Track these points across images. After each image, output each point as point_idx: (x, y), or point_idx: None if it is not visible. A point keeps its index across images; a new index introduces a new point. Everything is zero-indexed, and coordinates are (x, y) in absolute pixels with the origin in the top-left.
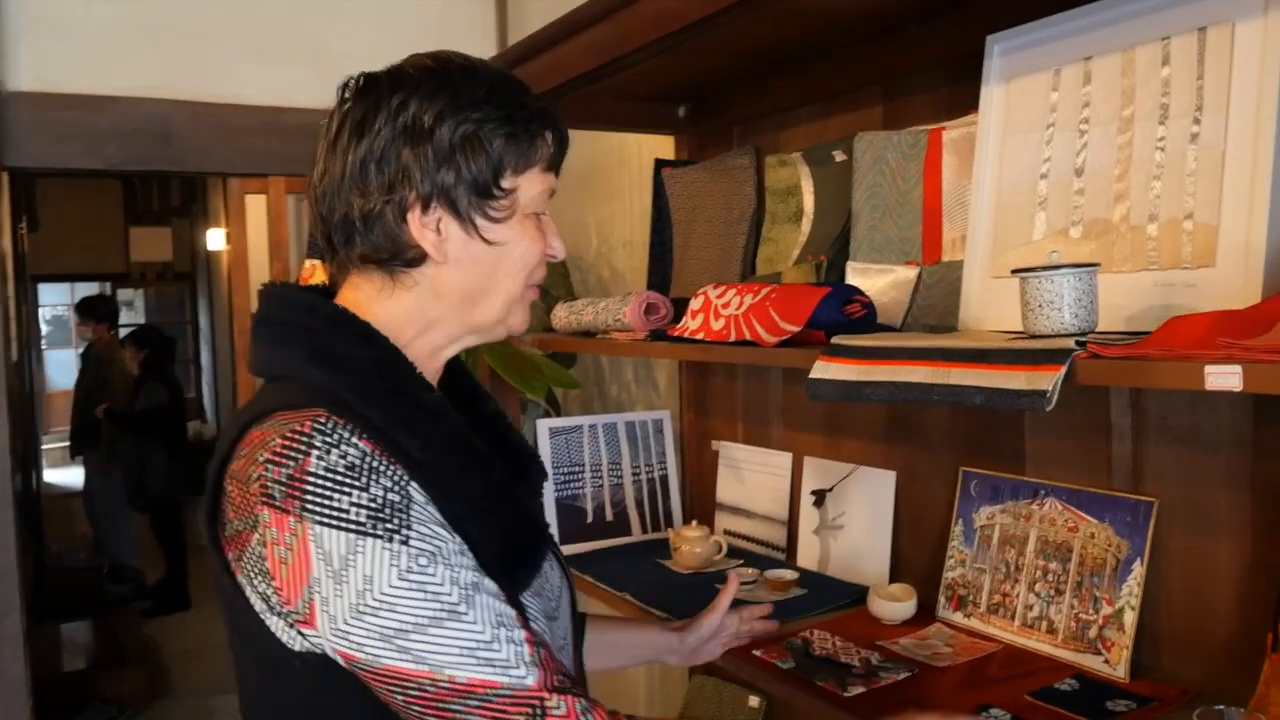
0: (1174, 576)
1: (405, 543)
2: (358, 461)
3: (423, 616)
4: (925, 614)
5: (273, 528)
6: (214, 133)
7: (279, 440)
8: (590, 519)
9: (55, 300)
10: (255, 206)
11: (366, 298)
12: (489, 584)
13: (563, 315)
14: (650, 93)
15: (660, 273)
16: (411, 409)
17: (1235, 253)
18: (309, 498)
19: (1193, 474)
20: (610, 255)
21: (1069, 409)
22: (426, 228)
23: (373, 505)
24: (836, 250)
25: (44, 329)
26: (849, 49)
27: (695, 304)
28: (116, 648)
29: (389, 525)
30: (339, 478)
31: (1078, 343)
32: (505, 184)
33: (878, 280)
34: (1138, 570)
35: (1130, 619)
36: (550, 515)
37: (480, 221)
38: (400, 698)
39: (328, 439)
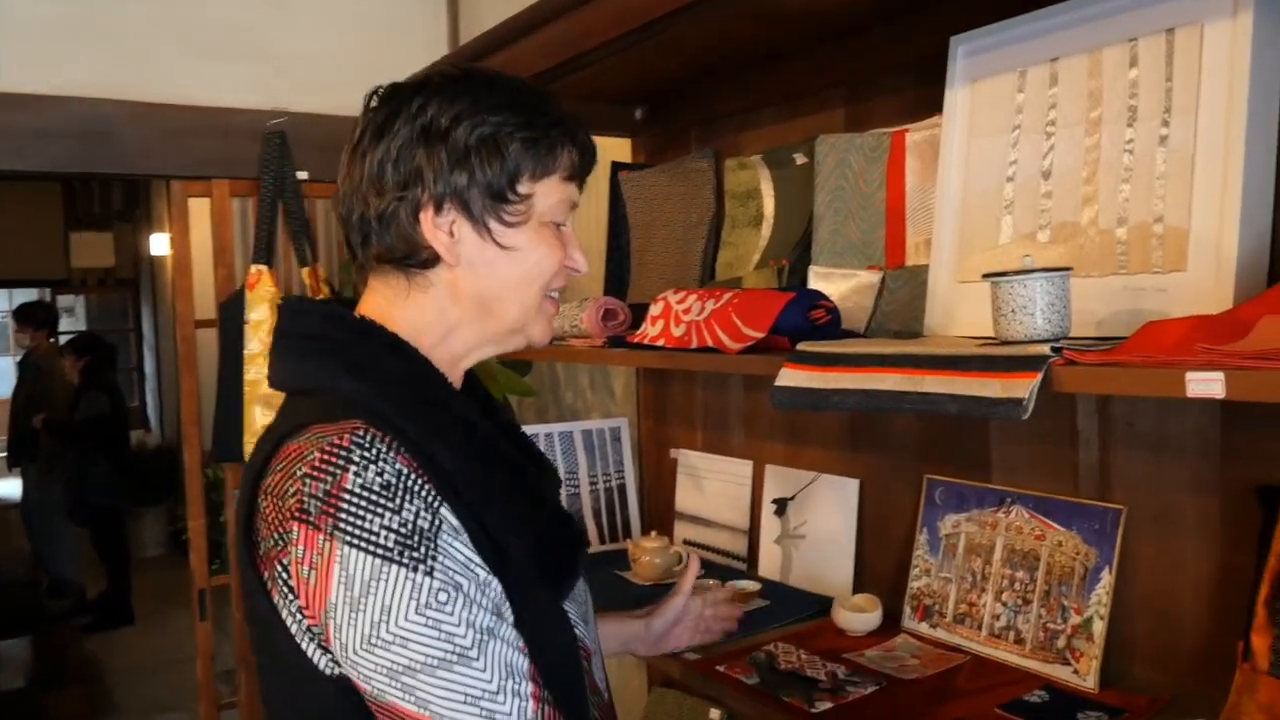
0: (1143, 585)
1: (429, 574)
2: (393, 480)
3: (432, 657)
4: (890, 625)
5: (301, 544)
6: (156, 134)
7: (317, 454)
8: None
9: None
10: (199, 210)
11: (387, 302)
12: (506, 631)
13: None
14: (607, 94)
15: (618, 278)
16: (444, 419)
17: (1206, 256)
18: (342, 516)
19: (1161, 480)
20: None
21: (1035, 416)
22: (439, 229)
23: (403, 530)
24: (798, 255)
25: None
26: (810, 50)
27: (655, 310)
28: (57, 665)
29: (416, 554)
30: (373, 497)
31: (1053, 348)
32: (521, 189)
33: (840, 285)
34: (1106, 579)
35: (1099, 628)
36: None
37: (494, 225)
38: None
39: (366, 454)
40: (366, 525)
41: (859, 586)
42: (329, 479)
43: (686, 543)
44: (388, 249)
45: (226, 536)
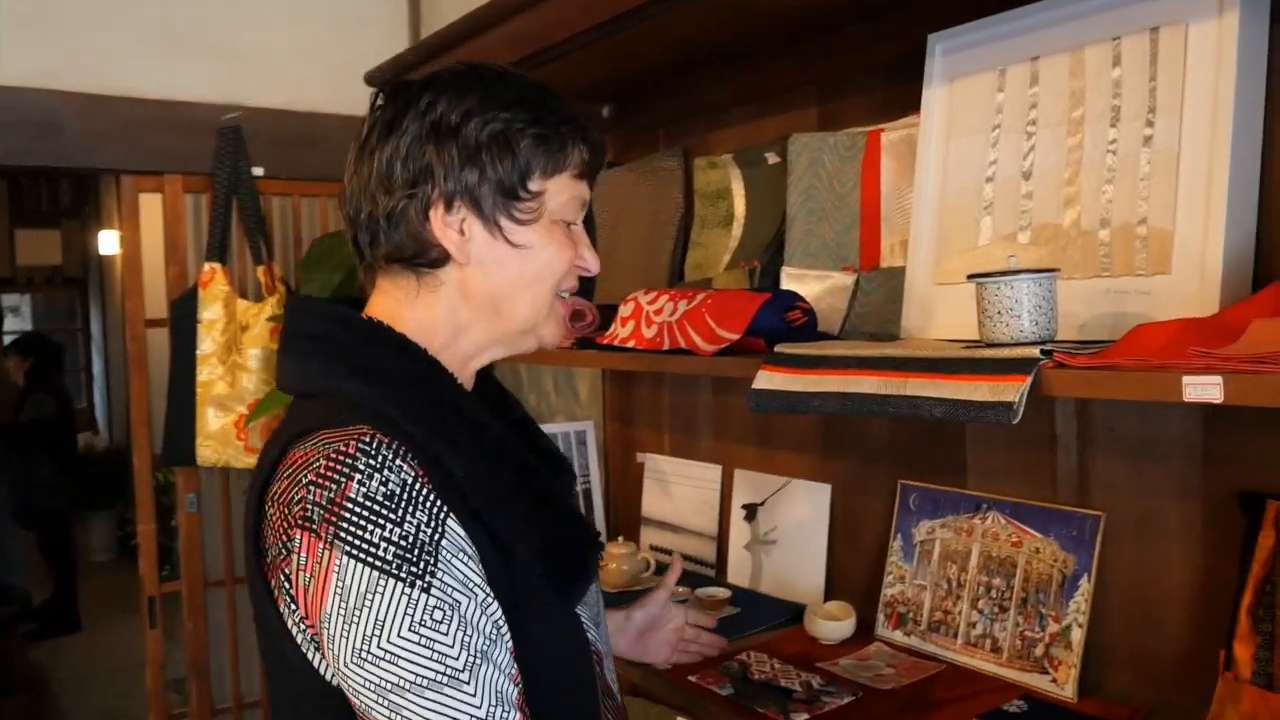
0: (1123, 592)
1: (426, 590)
2: (397, 490)
3: (423, 676)
4: (864, 632)
5: (303, 552)
6: (106, 127)
7: (323, 462)
8: None
9: None
10: (150, 206)
11: (396, 302)
12: (501, 656)
13: None
14: (573, 91)
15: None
16: (452, 422)
17: (1191, 259)
18: (344, 525)
19: (1141, 485)
20: None
21: None
22: (450, 227)
23: (403, 543)
24: (770, 256)
25: None
26: (782, 48)
27: (625, 310)
28: (0, 674)
29: (415, 569)
30: (376, 507)
31: (1043, 351)
32: (533, 186)
33: (814, 286)
34: (1085, 586)
35: (1078, 637)
36: None
37: (505, 223)
38: None
39: (371, 461)
40: (367, 536)
41: (831, 593)
42: (333, 487)
43: (654, 549)
44: (396, 248)
45: (177, 542)
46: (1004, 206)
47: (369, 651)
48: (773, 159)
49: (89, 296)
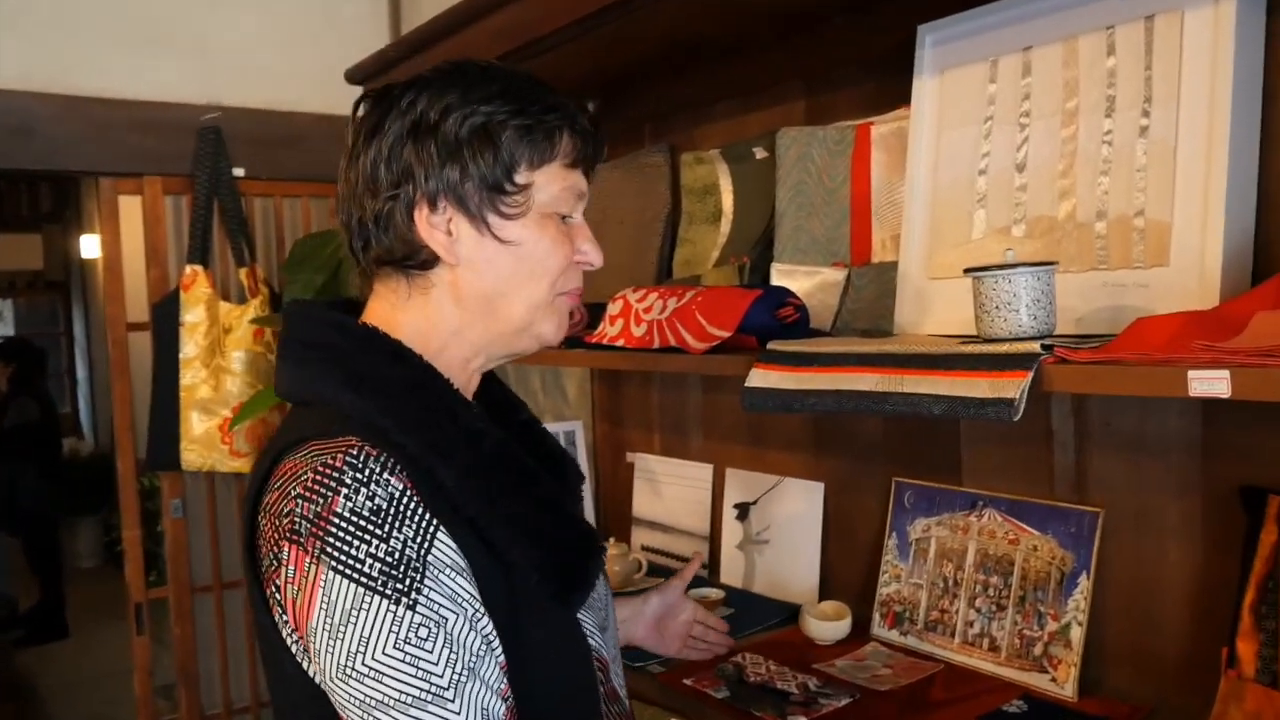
0: (1122, 589)
1: (412, 608)
2: (384, 504)
3: (406, 694)
4: (859, 632)
5: (291, 565)
6: (81, 129)
7: (310, 475)
8: None
9: None
10: (130, 209)
11: (391, 306)
12: (488, 672)
13: None
14: (558, 85)
15: None
16: (447, 431)
17: (1190, 251)
18: (329, 540)
19: (1140, 481)
20: None
21: None
22: (436, 228)
23: (389, 560)
24: (759, 251)
25: None
26: (768, 41)
27: (614, 308)
28: None
29: (400, 586)
30: (362, 523)
31: (1044, 346)
32: (519, 179)
33: (804, 282)
34: (1084, 584)
35: (1077, 635)
36: None
37: (493, 219)
38: None
39: (358, 475)
40: (353, 552)
41: (825, 593)
42: (320, 501)
43: (645, 549)
44: (387, 251)
45: (164, 547)
46: (998, 199)
47: (353, 668)
48: (761, 154)
49: (71, 300)
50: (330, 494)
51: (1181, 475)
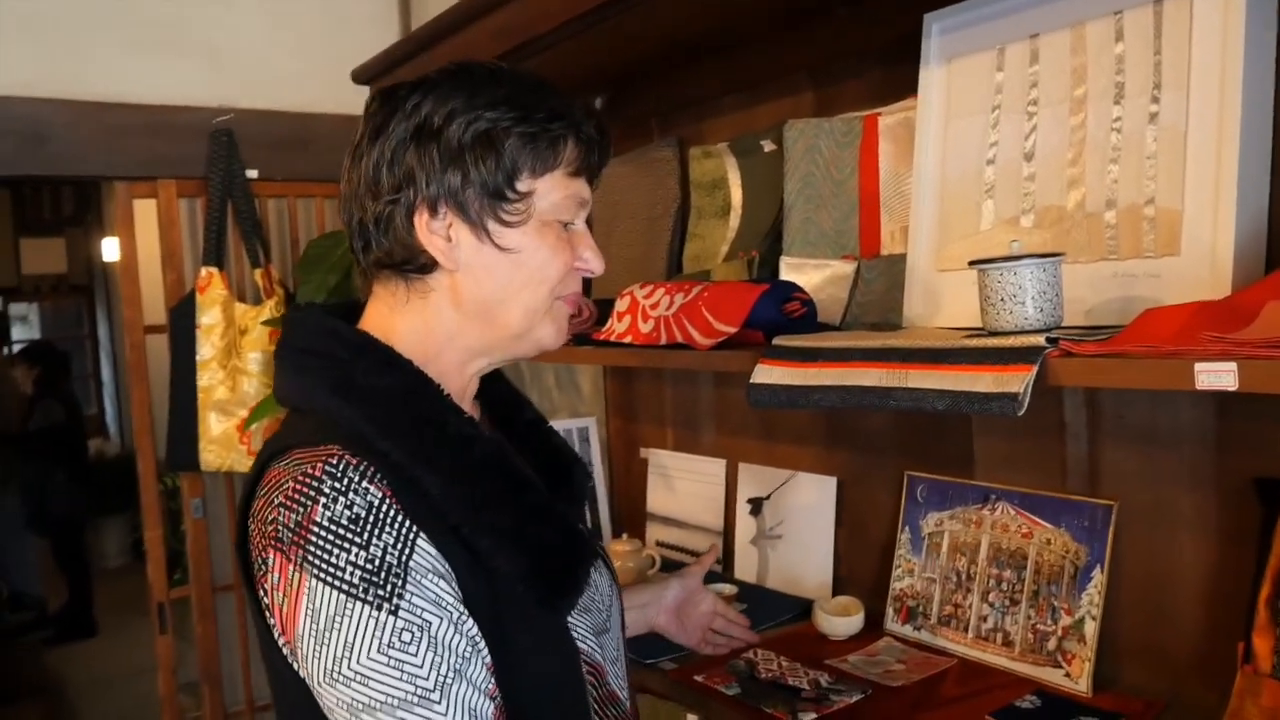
0: (1137, 583)
1: (394, 613)
2: (363, 513)
3: (392, 697)
4: (872, 627)
5: (276, 571)
6: (94, 134)
7: (291, 484)
8: None
9: None
10: (145, 212)
11: (389, 309)
12: (475, 673)
13: None
14: (564, 82)
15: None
16: (435, 440)
17: (1201, 240)
18: (310, 548)
19: (1154, 474)
20: None
21: None
22: (435, 234)
23: (369, 567)
24: (768, 245)
25: None
26: (773, 33)
27: (621, 305)
28: (17, 679)
29: (381, 592)
30: (341, 531)
31: (1048, 339)
32: (521, 187)
33: (813, 276)
34: (1098, 577)
35: (1091, 629)
36: None
37: (493, 226)
38: None
39: (337, 484)
40: (333, 560)
41: (839, 588)
42: (300, 510)
43: (660, 545)
44: (387, 254)
45: (186, 546)
46: (1006, 189)
47: (339, 673)
48: (768, 146)
49: (95, 303)
50: (310, 503)
51: (1195, 467)
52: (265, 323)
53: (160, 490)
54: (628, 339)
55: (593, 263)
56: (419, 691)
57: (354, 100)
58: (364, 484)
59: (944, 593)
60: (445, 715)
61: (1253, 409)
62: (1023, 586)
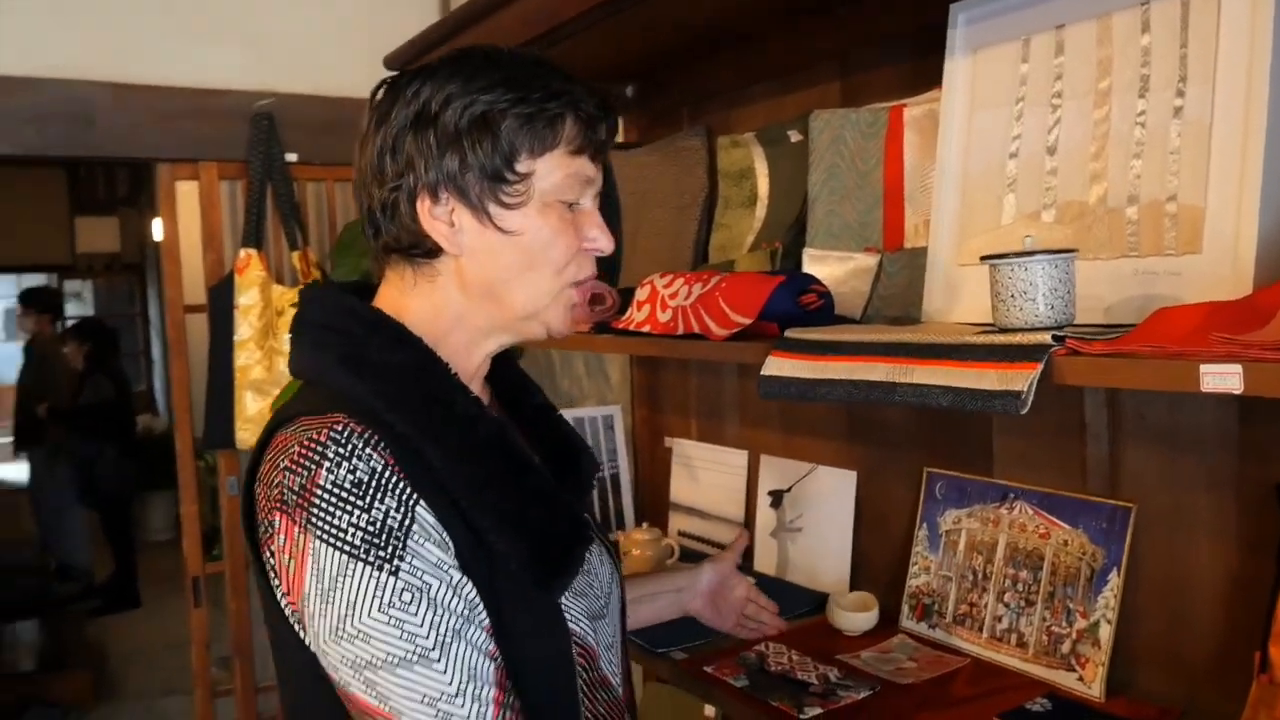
0: (1153, 588)
1: (395, 574)
2: (365, 478)
3: (394, 655)
4: (888, 623)
5: (282, 534)
6: (139, 116)
7: (297, 448)
8: None
9: (5, 292)
10: (188, 194)
11: (399, 292)
12: (475, 634)
13: None
14: (596, 70)
15: (609, 261)
16: (441, 417)
17: (1223, 238)
18: (314, 510)
19: (1174, 477)
20: None
21: (1040, 407)
22: (438, 219)
23: (370, 529)
24: (793, 236)
25: None
26: (801, 20)
27: (641, 294)
28: (62, 648)
29: (382, 553)
30: (344, 494)
31: (1055, 337)
32: (520, 168)
33: (836, 268)
34: (1114, 580)
35: (1106, 633)
36: None
37: (494, 209)
38: None
39: (340, 450)
40: (335, 522)
41: (856, 583)
42: (304, 474)
43: (682, 534)
44: (394, 239)
45: (222, 522)
46: (1028, 183)
47: (343, 631)
48: (795, 137)
49: (146, 282)
50: (315, 466)
51: (1216, 471)
52: None
53: (200, 467)
54: (646, 328)
55: (600, 241)
56: (419, 650)
57: None
58: (368, 450)
59: (960, 591)
60: (445, 674)
61: (1275, 414)
62: (1038, 587)
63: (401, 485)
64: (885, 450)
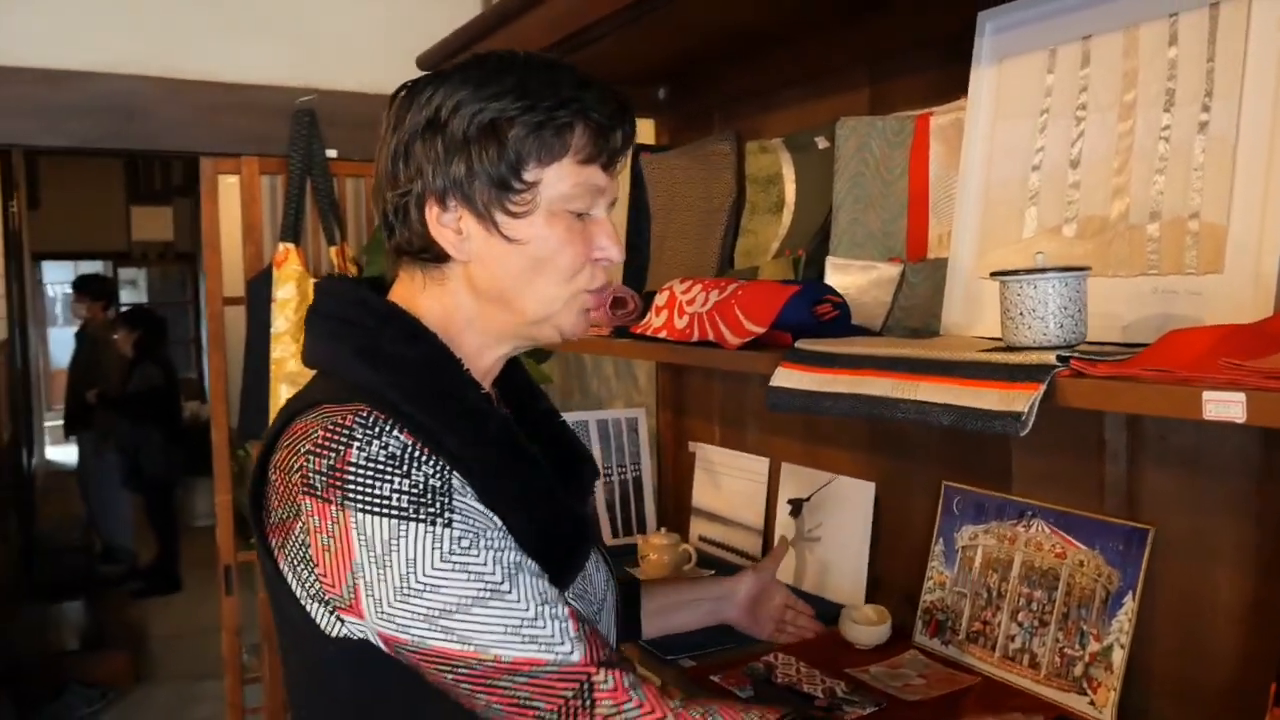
0: (1169, 613)
1: (448, 525)
2: (399, 452)
3: (466, 596)
4: (901, 637)
5: (314, 516)
6: (183, 110)
7: (320, 432)
8: None
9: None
10: (228, 187)
11: (411, 293)
12: (531, 564)
13: None
14: (628, 73)
15: (637, 265)
16: (454, 409)
17: (1245, 258)
18: (350, 487)
19: (1194, 500)
20: None
21: (1059, 424)
22: (446, 226)
23: (415, 491)
24: (817, 244)
25: (57, 307)
26: (833, 23)
27: (660, 299)
28: (102, 629)
29: (431, 509)
30: (380, 466)
31: (1059, 358)
32: (527, 176)
33: (858, 278)
34: (1129, 604)
35: (1119, 658)
36: None
37: (500, 217)
38: (450, 676)
39: (368, 431)
40: (378, 491)
41: (872, 595)
42: (333, 454)
43: (703, 540)
44: (405, 242)
45: None
46: (1050, 197)
47: (409, 587)
48: (822, 143)
49: (199, 271)
50: (343, 447)
51: (1237, 496)
52: None
53: (239, 454)
54: (663, 334)
55: (611, 251)
56: (489, 586)
57: None
58: (395, 432)
59: (974, 608)
60: (519, 601)
61: None
62: (1053, 608)
63: (433, 458)
64: (904, 462)
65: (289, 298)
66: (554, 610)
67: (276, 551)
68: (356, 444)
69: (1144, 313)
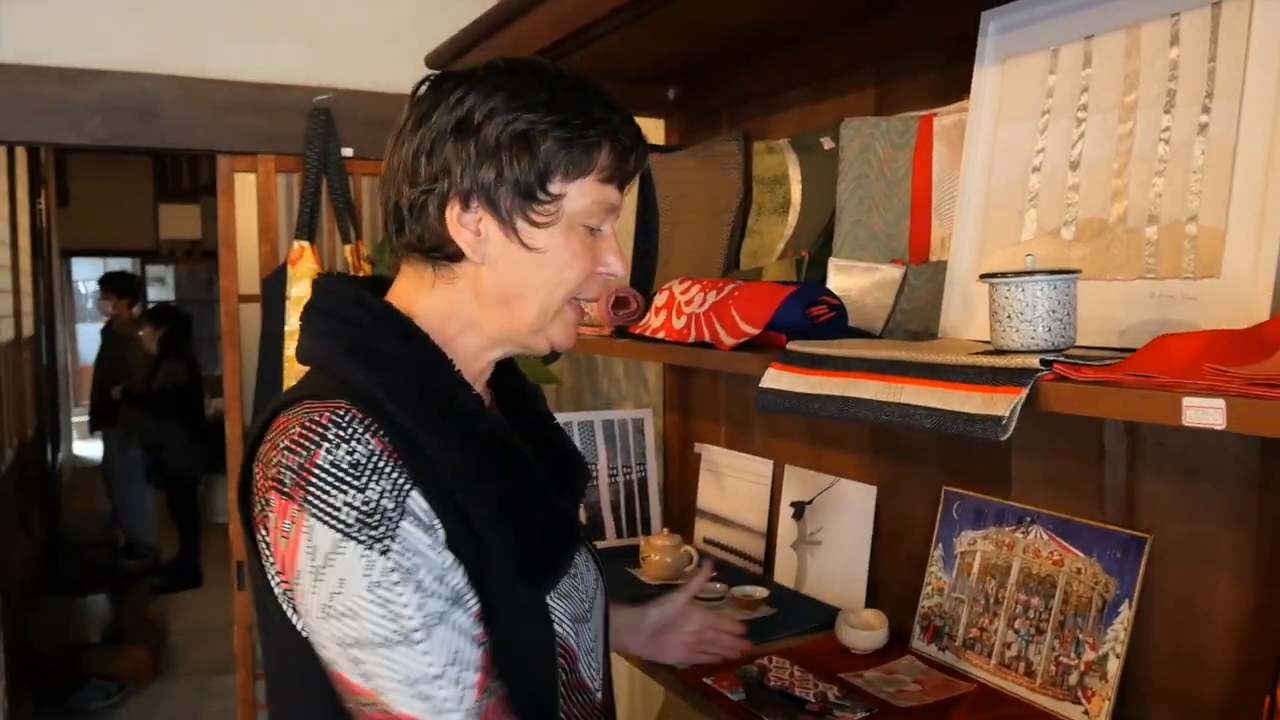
0: (1165, 622)
1: (385, 553)
2: (362, 460)
3: (378, 635)
4: (899, 643)
5: (276, 512)
6: (200, 109)
7: (298, 429)
8: None
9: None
10: (244, 186)
11: (414, 289)
12: (460, 618)
13: None
14: (637, 73)
15: (645, 265)
16: (442, 410)
17: (1243, 262)
18: (312, 489)
19: (1192, 509)
20: None
21: (1058, 429)
22: (465, 227)
23: (365, 508)
24: (821, 245)
25: (86, 303)
26: (837, 26)
27: (659, 300)
28: (124, 623)
29: (373, 532)
30: (340, 474)
31: (1043, 361)
32: (552, 189)
33: (861, 279)
34: (1125, 613)
35: (1114, 667)
36: None
37: (521, 225)
38: (351, 705)
39: (341, 433)
40: (331, 500)
41: (871, 599)
42: (303, 453)
43: (707, 541)
44: (418, 239)
45: None
46: (1050, 199)
47: (332, 608)
48: (828, 144)
49: None
50: (314, 447)
51: (1236, 505)
52: None
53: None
54: (661, 334)
55: (615, 266)
56: (402, 631)
57: None
58: (366, 435)
59: (971, 615)
60: (427, 655)
61: None
62: (1049, 615)
63: (396, 470)
64: (906, 466)
65: (303, 295)
66: (460, 674)
67: (259, 545)
68: (326, 445)
69: (1141, 316)
